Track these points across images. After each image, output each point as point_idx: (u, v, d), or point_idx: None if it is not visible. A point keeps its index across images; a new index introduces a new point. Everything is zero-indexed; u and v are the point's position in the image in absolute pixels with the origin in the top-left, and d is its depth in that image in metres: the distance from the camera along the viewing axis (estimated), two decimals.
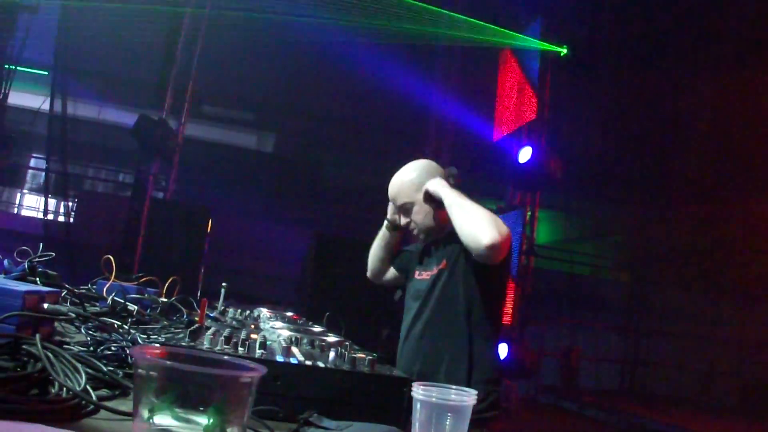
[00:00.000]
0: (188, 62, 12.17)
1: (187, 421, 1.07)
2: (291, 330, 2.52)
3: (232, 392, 1.09)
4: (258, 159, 19.51)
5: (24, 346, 1.48)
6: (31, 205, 19.52)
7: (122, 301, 2.72)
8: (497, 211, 12.10)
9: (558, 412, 13.45)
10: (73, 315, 2.10)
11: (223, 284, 3.28)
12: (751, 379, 14.00)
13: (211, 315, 2.83)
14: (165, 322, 2.74)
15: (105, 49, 14.23)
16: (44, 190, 14.89)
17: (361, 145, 18.27)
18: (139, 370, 1.07)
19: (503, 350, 10.12)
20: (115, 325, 2.23)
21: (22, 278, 2.52)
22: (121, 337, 2.00)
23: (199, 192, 14.71)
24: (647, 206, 16.87)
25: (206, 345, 1.76)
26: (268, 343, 1.91)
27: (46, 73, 13.95)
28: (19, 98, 13.35)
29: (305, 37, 13.40)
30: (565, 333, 16.18)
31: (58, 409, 1.29)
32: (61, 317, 1.96)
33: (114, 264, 3.27)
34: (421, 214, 3.10)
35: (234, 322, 2.63)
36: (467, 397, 1.40)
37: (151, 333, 2.38)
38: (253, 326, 2.52)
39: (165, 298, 3.33)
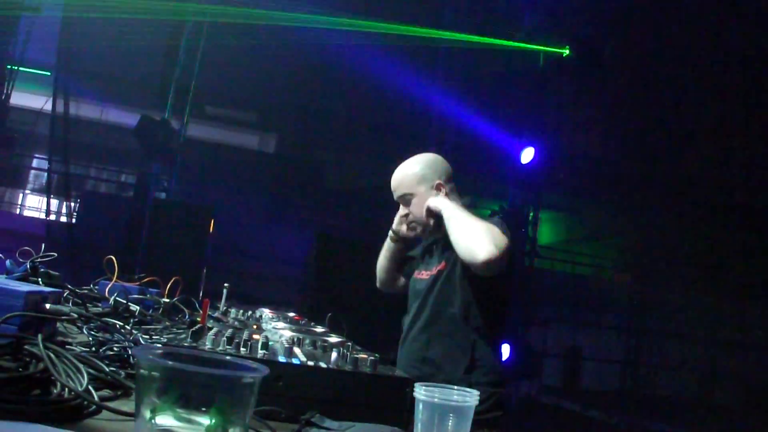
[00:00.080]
0: (190, 63, 12.18)
1: (189, 421, 1.06)
2: (293, 330, 2.52)
3: (234, 393, 1.09)
4: (260, 159, 19.51)
5: (26, 347, 1.48)
6: (33, 205, 19.54)
7: (124, 301, 2.72)
8: (499, 212, 12.13)
9: (560, 413, 13.43)
10: (75, 315, 2.10)
11: (225, 285, 3.28)
12: (753, 380, 13.97)
13: (213, 315, 2.83)
14: (167, 323, 2.74)
15: (107, 49, 14.22)
16: (46, 191, 14.89)
17: (363, 145, 18.26)
18: (141, 371, 1.07)
19: (505, 351, 10.12)
20: (117, 326, 2.23)
21: (24, 278, 2.52)
22: (123, 338, 2.00)
23: (201, 192, 14.72)
24: (649, 207, 16.85)
25: (208, 345, 1.76)
26: (270, 343, 1.91)
27: (48, 73, 13.95)
28: (21, 99, 13.36)
29: (307, 37, 13.40)
30: (567, 333, 16.16)
31: (60, 410, 1.29)
32: (63, 318, 1.96)
33: (116, 264, 3.26)
34: (420, 207, 3.09)
35: (236, 323, 2.63)
36: (469, 398, 1.40)
37: (153, 333, 2.38)
38: (255, 327, 2.52)
39: (167, 298, 3.33)
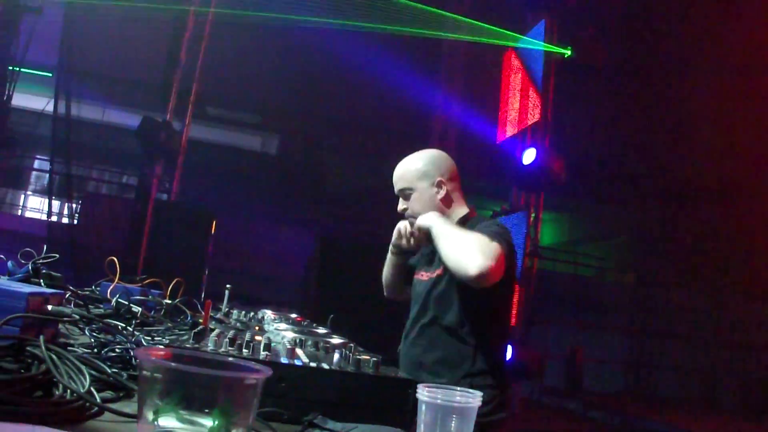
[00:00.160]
0: (192, 64, 12.18)
1: (192, 423, 1.06)
2: (295, 332, 2.51)
3: (236, 394, 1.08)
4: (262, 161, 19.52)
5: (28, 348, 1.48)
6: (34, 206, 19.56)
7: (126, 302, 2.72)
8: (501, 213, 12.13)
9: (562, 414, 13.43)
10: (77, 317, 2.10)
11: (228, 286, 3.28)
12: (755, 380, 13.99)
13: (215, 317, 2.83)
14: (169, 324, 2.74)
15: (109, 50, 14.25)
16: (48, 192, 14.90)
17: (365, 147, 18.28)
18: (144, 372, 1.07)
19: (507, 352, 10.11)
20: (119, 327, 2.23)
21: (26, 280, 2.52)
22: (125, 339, 2.00)
23: (203, 194, 14.71)
24: (651, 207, 16.87)
25: (210, 347, 1.76)
26: (272, 344, 1.90)
27: (50, 74, 13.96)
28: (23, 100, 13.36)
29: (309, 39, 13.41)
30: (570, 334, 16.16)
31: (62, 411, 1.28)
32: (65, 319, 1.96)
33: (118, 266, 3.27)
34: (419, 203, 3.06)
35: (238, 324, 2.62)
36: (472, 399, 1.39)
37: (155, 335, 2.38)
38: (257, 328, 2.52)
39: (169, 299, 3.33)
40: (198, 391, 1.06)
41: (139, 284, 3.48)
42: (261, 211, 17.23)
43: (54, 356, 1.44)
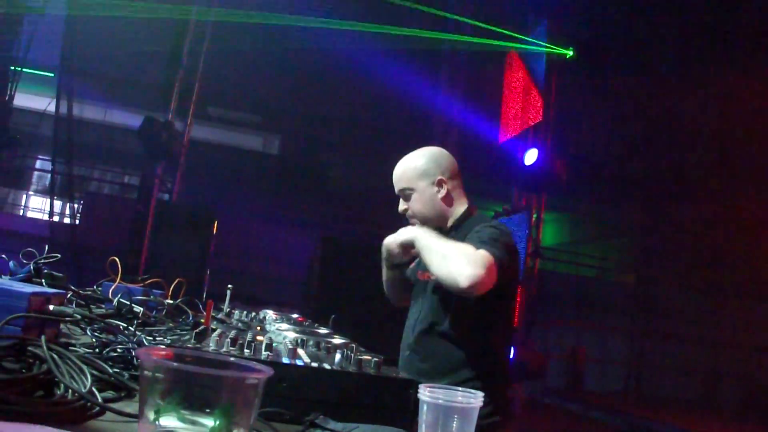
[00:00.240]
0: (194, 64, 12.19)
1: (193, 423, 1.06)
2: (297, 332, 2.51)
3: (238, 394, 1.08)
4: (263, 161, 19.53)
5: (29, 348, 1.48)
6: (36, 206, 19.58)
7: (128, 302, 2.72)
8: (503, 214, 12.14)
9: (563, 414, 13.43)
10: (79, 317, 2.10)
11: (229, 286, 3.28)
12: (755, 381, 13.98)
13: (217, 317, 2.83)
14: (171, 324, 2.74)
15: (111, 51, 14.24)
16: (50, 192, 14.92)
17: (366, 147, 18.28)
18: (145, 372, 1.07)
19: (509, 355, 10.11)
20: (121, 327, 2.23)
21: (27, 280, 2.52)
22: (126, 339, 2.00)
23: (205, 194, 14.72)
24: (653, 208, 16.87)
25: (212, 347, 1.76)
26: (273, 344, 1.90)
27: (51, 74, 13.97)
28: (24, 100, 13.38)
29: (311, 39, 13.41)
30: (571, 335, 16.17)
31: (64, 411, 1.28)
32: (66, 319, 1.96)
33: (119, 266, 3.27)
34: (420, 203, 3.02)
35: (240, 324, 2.62)
36: (474, 399, 1.39)
37: (156, 335, 2.37)
38: (258, 328, 2.52)
39: (171, 299, 3.33)
40: (199, 391, 1.06)
41: (141, 284, 3.48)
42: (262, 211, 17.23)
43: (55, 356, 1.44)
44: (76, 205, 14.18)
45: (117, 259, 3.30)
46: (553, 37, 11.95)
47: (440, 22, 13.27)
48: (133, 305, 2.71)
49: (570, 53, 11.86)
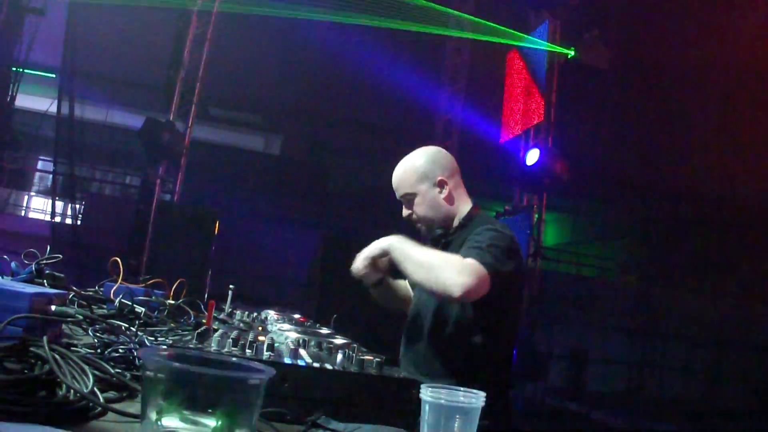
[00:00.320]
0: (195, 65, 12.18)
1: (195, 423, 1.06)
2: (298, 332, 2.51)
3: (240, 394, 1.08)
4: (265, 161, 19.52)
5: (31, 348, 1.48)
6: (38, 207, 19.58)
7: (129, 303, 2.72)
8: (504, 214, 12.14)
9: (565, 415, 13.41)
10: (81, 317, 2.10)
11: (231, 286, 3.27)
12: (758, 381, 13.96)
13: (219, 317, 2.83)
14: (172, 325, 2.74)
15: (112, 51, 14.27)
16: (51, 193, 14.94)
17: (368, 147, 18.27)
18: (147, 372, 1.07)
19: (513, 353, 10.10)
20: (123, 328, 2.23)
21: (29, 280, 2.53)
22: (128, 340, 2.00)
23: (207, 194, 14.71)
24: (654, 208, 16.86)
25: (214, 347, 1.76)
26: (275, 345, 1.90)
27: (53, 75, 13.98)
28: (26, 101, 13.38)
29: (312, 39, 13.42)
30: (573, 335, 16.13)
31: (66, 411, 1.28)
32: (68, 319, 1.96)
33: (121, 266, 3.27)
34: (424, 206, 2.95)
35: (241, 325, 2.62)
36: (476, 399, 1.39)
37: (158, 335, 2.38)
38: (260, 328, 2.52)
39: (172, 300, 3.33)
40: (201, 392, 1.06)
41: (143, 285, 3.48)
42: (264, 211, 17.22)
43: (57, 356, 1.44)
44: (77, 206, 14.19)
45: (119, 260, 3.31)
46: (555, 36, 11.95)
47: (442, 17, 13.26)
48: (134, 306, 2.71)
49: (572, 53, 11.86)
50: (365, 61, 13.97)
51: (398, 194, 3.04)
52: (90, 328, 2.13)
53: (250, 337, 1.90)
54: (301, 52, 14.63)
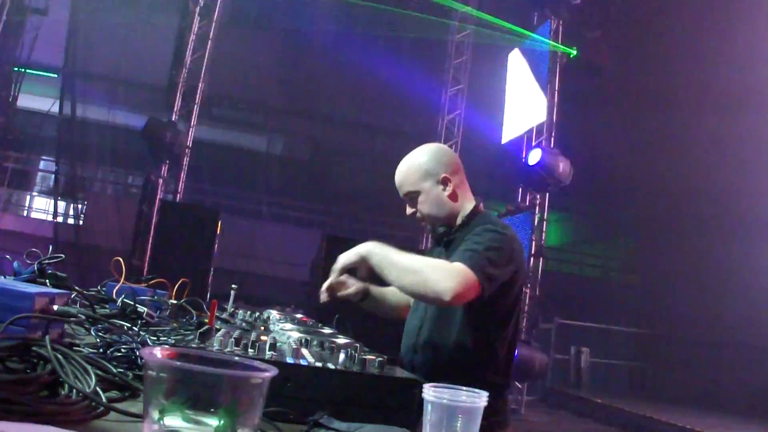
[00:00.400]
0: (198, 65, 12.20)
1: (198, 422, 1.06)
2: (301, 332, 2.51)
3: (242, 394, 1.08)
4: (267, 161, 19.53)
5: (34, 348, 1.48)
6: (40, 207, 19.58)
7: (132, 303, 2.72)
8: (506, 214, 12.14)
9: (567, 414, 13.41)
10: (83, 317, 2.10)
11: (233, 286, 3.28)
12: (760, 381, 13.94)
13: (221, 317, 2.82)
14: (174, 324, 2.74)
15: (114, 51, 14.27)
16: (54, 193, 14.96)
17: (369, 147, 18.30)
18: (149, 372, 1.07)
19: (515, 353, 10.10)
20: (125, 327, 2.23)
21: (32, 280, 2.53)
22: (130, 339, 2.00)
23: (209, 194, 14.75)
24: (656, 208, 16.84)
25: (216, 346, 1.76)
26: (277, 344, 1.90)
27: (55, 75, 14.00)
28: (28, 101, 13.41)
29: (314, 39, 13.43)
30: (574, 335, 16.12)
31: (68, 411, 1.28)
32: (70, 319, 1.96)
33: (123, 266, 3.27)
34: (428, 204, 2.92)
35: (243, 324, 2.62)
36: (478, 399, 1.39)
37: (160, 335, 2.37)
38: (262, 328, 2.52)
39: (174, 299, 3.33)
40: (204, 391, 1.06)
41: (145, 284, 3.48)
42: (266, 211, 17.26)
43: (60, 356, 1.44)
44: (79, 206, 14.21)
45: (121, 260, 3.31)
46: (557, 36, 11.96)
47: (446, 16, 13.28)
48: (137, 305, 2.71)
49: (574, 52, 11.86)
50: (368, 62, 13.98)
51: (401, 192, 3.00)
52: (92, 328, 2.13)
53: (253, 336, 1.89)
54: (303, 52, 14.66)
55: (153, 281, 3.58)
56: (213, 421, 1.05)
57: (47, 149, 16.29)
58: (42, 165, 19.18)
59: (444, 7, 12.78)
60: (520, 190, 12.53)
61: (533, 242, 11.76)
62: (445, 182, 2.92)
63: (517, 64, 13.14)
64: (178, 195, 12.25)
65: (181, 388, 1.05)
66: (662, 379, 16.48)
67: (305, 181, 18.50)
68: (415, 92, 14.32)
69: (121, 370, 1.64)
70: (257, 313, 3.20)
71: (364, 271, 2.82)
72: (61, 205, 14.57)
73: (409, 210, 3.01)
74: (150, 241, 10.98)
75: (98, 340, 2.00)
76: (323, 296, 2.96)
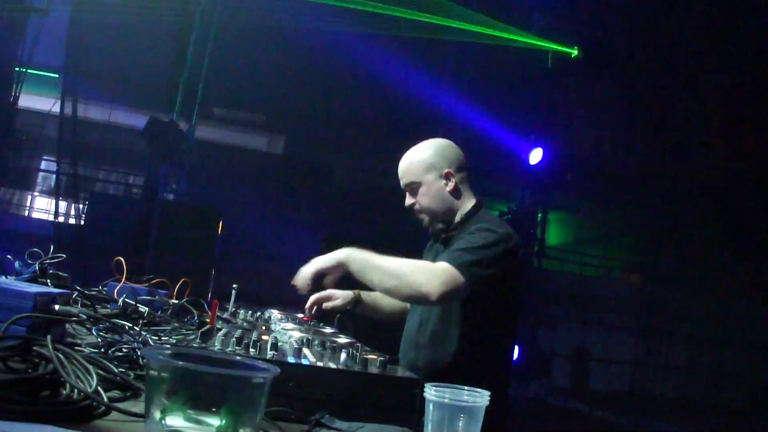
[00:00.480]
0: (199, 64, 12.19)
1: (199, 422, 1.06)
2: (302, 331, 2.51)
3: (244, 393, 1.08)
4: (268, 161, 19.51)
5: (35, 348, 1.48)
6: (41, 207, 19.56)
7: (133, 302, 2.72)
8: (507, 213, 12.14)
9: (568, 414, 13.40)
10: (84, 316, 2.10)
11: (234, 286, 3.28)
12: (761, 381, 13.94)
13: (222, 317, 2.83)
14: (176, 324, 2.74)
15: (115, 51, 14.24)
16: (55, 193, 14.92)
17: (371, 146, 18.26)
18: (151, 371, 1.07)
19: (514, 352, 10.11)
20: (126, 327, 2.23)
21: (33, 280, 2.53)
22: (132, 339, 2.00)
23: (210, 194, 14.72)
24: (658, 207, 16.82)
25: (217, 346, 1.76)
26: (279, 344, 1.90)
27: (56, 75, 13.98)
28: (29, 101, 13.38)
29: (315, 38, 13.42)
30: (576, 334, 16.11)
31: (70, 411, 1.28)
32: (72, 319, 1.96)
33: (125, 266, 3.27)
34: (428, 197, 2.94)
35: (245, 324, 2.62)
36: (480, 398, 1.39)
37: (162, 334, 2.38)
38: (264, 327, 2.52)
39: (176, 299, 3.33)
40: (205, 391, 1.06)
41: (146, 284, 3.48)
42: (267, 210, 17.23)
43: (61, 356, 1.44)
44: (80, 206, 14.18)
45: (122, 259, 3.31)
46: (558, 35, 11.94)
47: (446, 15, 13.26)
48: (138, 305, 2.71)
49: (575, 52, 11.85)
50: (368, 61, 13.96)
51: (403, 182, 3.02)
52: (93, 328, 2.13)
53: (254, 336, 1.90)
54: (304, 51, 14.62)
55: (154, 281, 3.58)
56: (215, 421, 1.05)
57: (48, 149, 16.25)
58: (43, 165, 19.16)
59: (444, 6, 12.76)
60: (522, 189, 12.52)
61: (534, 242, 11.75)
62: (447, 177, 2.94)
63: (518, 64, 13.12)
64: (179, 195, 12.24)
65: (182, 388, 1.05)
66: (664, 378, 16.47)
67: (306, 181, 18.46)
68: (417, 91, 14.30)
69: (123, 370, 1.65)
70: (258, 313, 3.21)
71: (334, 277, 2.82)
72: (62, 205, 14.53)
73: (408, 201, 3.03)
74: (151, 240, 10.96)
75: (99, 339, 2.00)
76: (308, 312, 2.98)
